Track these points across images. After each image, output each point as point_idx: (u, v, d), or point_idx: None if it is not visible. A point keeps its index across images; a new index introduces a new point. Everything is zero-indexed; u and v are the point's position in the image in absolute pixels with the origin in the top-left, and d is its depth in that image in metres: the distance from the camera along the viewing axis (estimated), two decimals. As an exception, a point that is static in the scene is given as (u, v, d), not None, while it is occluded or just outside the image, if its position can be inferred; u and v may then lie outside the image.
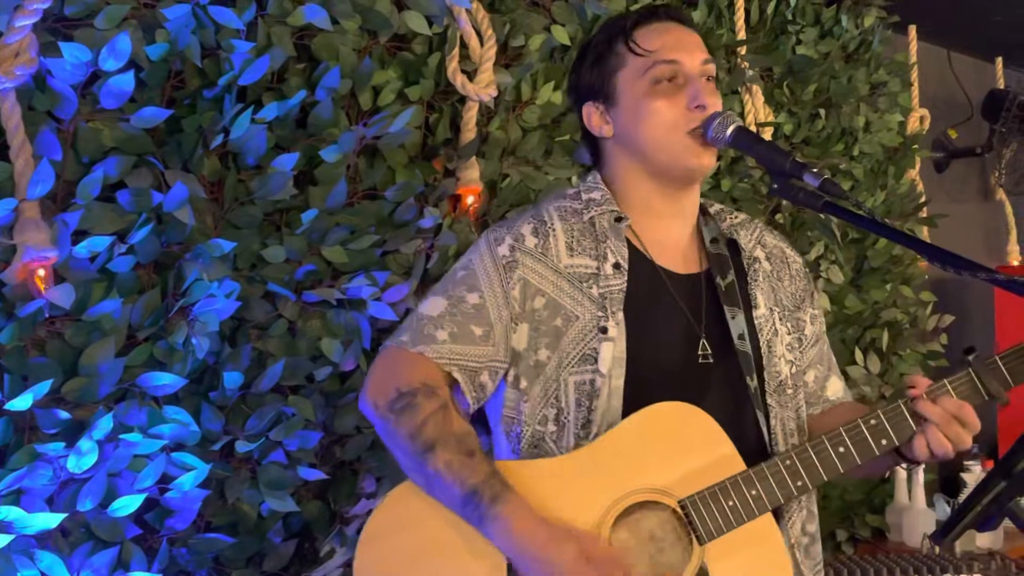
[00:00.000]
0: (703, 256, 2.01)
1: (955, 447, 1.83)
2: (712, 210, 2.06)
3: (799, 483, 1.83)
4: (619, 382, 1.86)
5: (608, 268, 1.91)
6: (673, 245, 1.99)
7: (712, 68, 1.96)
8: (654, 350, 1.90)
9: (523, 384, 1.90)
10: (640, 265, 1.94)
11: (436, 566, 1.79)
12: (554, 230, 1.94)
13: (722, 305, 1.96)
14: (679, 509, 1.79)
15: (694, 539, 1.79)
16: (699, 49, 1.96)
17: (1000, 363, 1.85)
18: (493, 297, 1.90)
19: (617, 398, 1.86)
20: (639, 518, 1.80)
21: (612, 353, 1.87)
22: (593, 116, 1.99)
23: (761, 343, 1.97)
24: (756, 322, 1.98)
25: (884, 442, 1.84)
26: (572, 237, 1.94)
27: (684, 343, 1.93)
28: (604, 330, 1.87)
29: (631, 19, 1.99)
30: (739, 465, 1.82)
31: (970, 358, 1.85)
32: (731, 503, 1.80)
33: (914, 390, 1.85)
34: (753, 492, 1.81)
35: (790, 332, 2.03)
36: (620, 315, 1.89)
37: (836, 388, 2.11)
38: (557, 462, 1.83)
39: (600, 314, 1.88)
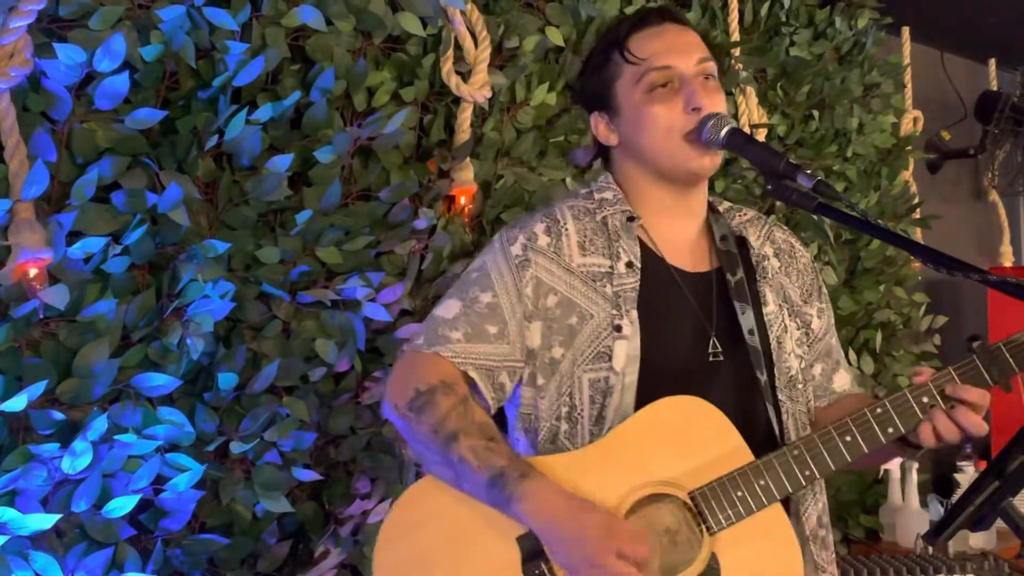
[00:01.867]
0: (713, 254, 2.03)
1: (975, 433, 1.84)
2: (721, 208, 2.08)
3: (807, 473, 1.84)
4: (632, 379, 1.88)
5: (621, 267, 1.93)
6: (684, 243, 2.01)
7: (711, 66, 1.96)
8: (667, 348, 1.92)
9: (540, 381, 1.91)
10: (652, 264, 1.96)
11: (451, 563, 1.80)
12: (566, 229, 1.96)
13: (733, 302, 1.97)
14: (689, 500, 1.81)
15: (704, 529, 1.80)
16: (695, 49, 1.96)
17: (1004, 350, 1.86)
18: (507, 295, 1.91)
19: (630, 395, 1.87)
20: (651, 510, 1.82)
21: (626, 351, 1.88)
22: (600, 125, 2.02)
23: (771, 339, 1.99)
24: (766, 319, 1.99)
25: (891, 431, 1.85)
26: (585, 236, 1.96)
27: (695, 341, 1.94)
28: (619, 328, 1.89)
29: (625, 26, 1.99)
30: (747, 456, 1.84)
31: (974, 345, 1.87)
32: (740, 494, 1.81)
33: (920, 377, 1.87)
34: (761, 482, 1.82)
35: (799, 328, 2.05)
36: (634, 313, 1.90)
37: (843, 381, 2.12)
38: (568, 457, 1.84)
39: (614, 312, 1.90)
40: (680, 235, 2.01)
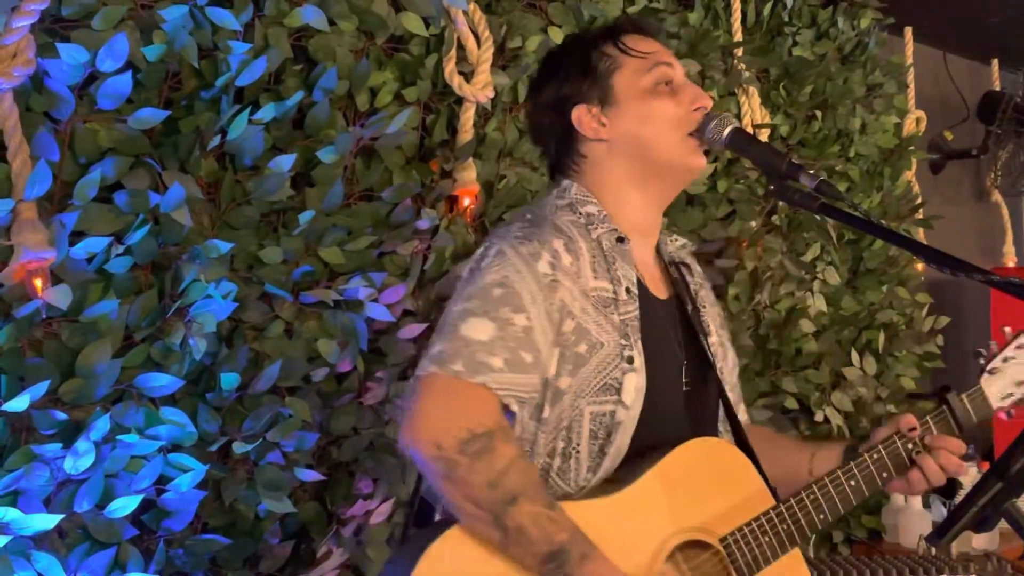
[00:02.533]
0: (668, 281, 2.01)
1: (956, 475, 1.98)
2: None
3: (821, 516, 1.90)
4: (636, 414, 1.82)
5: (623, 293, 1.86)
6: (651, 267, 1.99)
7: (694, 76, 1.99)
8: (661, 381, 1.87)
9: (545, 413, 1.80)
10: (641, 291, 1.92)
11: None
12: (581, 249, 1.85)
13: (694, 329, 1.97)
14: (722, 549, 1.83)
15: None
16: (678, 60, 2.00)
17: (966, 402, 2.03)
18: (539, 320, 1.76)
19: (631, 431, 1.81)
20: (685, 557, 1.82)
21: (635, 384, 1.81)
22: (585, 118, 1.95)
23: (719, 368, 2.00)
24: (712, 349, 2.00)
25: (885, 475, 1.97)
26: (594, 257, 1.87)
27: (675, 371, 1.93)
28: (630, 360, 1.82)
29: (616, 25, 2.00)
30: (768, 499, 1.88)
31: (948, 396, 2.03)
32: (767, 539, 1.85)
33: (914, 431, 1.98)
34: (784, 527, 1.86)
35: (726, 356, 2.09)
36: (640, 344, 1.84)
37: (743, 414, 2.16)
38: (600, 504, 1.76)
39: (623, 342, 1.82)
40: (647, 257, 1.98)
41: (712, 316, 2.05)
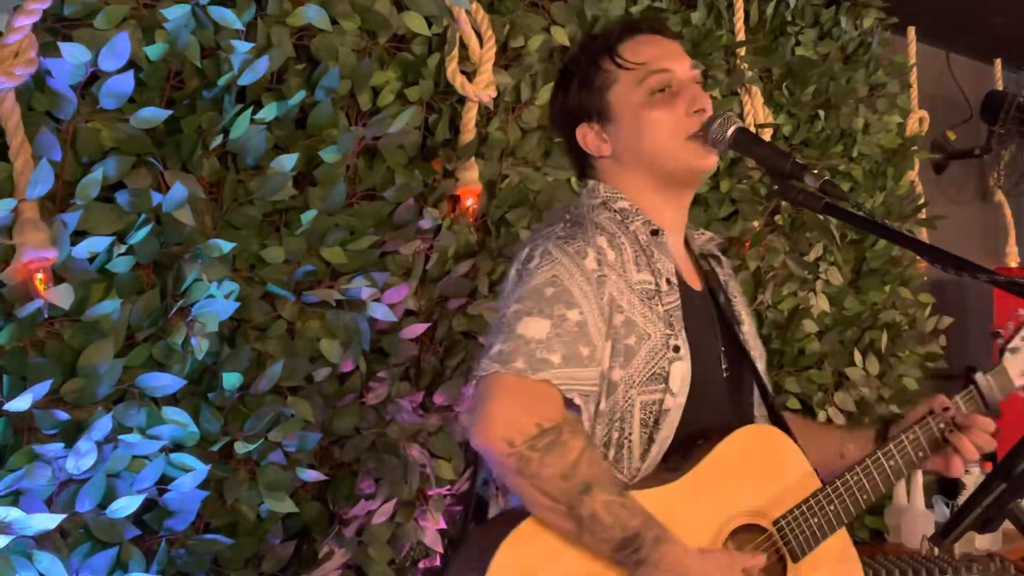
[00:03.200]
0: (699, 272, 2.04)
1: (987, 451, 2.04)
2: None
3: (864, 496, 1.96)
4: (683, 401, 1.86)
5: (664, 284, 1.90)
6: (685, 261, 2.02)
7: (699, 72, 1.97)
8: (705, 369, 1.92)
9: (601, 406, 1.83)
10: (680, 281, 1.95)
11: None
12: (623, 244, 1.89)
13: (728, 320, 2.01)
14: (775, 531, 1.87)
15: (788, 557, 1.88)
16: (685, 56, 1.98)
17: (991, 380, 2.10)
18: (592, 314, 1.80)
19: (677, 418, 1.85)
20: (743, 541, 1.86)
21: (681, 373, 1.86)
22: (588, 136, 1.98)
23: (753, 356, 2.03)
24: (743, 338, 2.03)
25: (921, 455, 2.03)
26: (636, 251, 1.91)
27: (714, 359, 1.97)
28: (676, 349, 1.86)
29: (613, 35, 1.99)
30: (815, 482, 1.93)
31: (976, 376, 2.09)
32: (816, 520, 1.90)
33: (947, 411, 2.04)
34: (832, 508, 1.92)
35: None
36: (684, 333, 1.88)
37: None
38: (661, 492, 1.79)
39: (669, 332, 1.86)
40: (679, 250, 2.01)
41: (742, 306, 2.09)
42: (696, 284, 2.01)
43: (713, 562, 1.75)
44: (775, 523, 1.88)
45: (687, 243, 2.06)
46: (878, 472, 1.98)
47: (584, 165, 2.03)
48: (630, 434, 1.84)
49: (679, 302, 1.90)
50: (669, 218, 1.98)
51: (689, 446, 1.86)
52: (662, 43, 1.98)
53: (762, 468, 1.89)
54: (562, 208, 2.05)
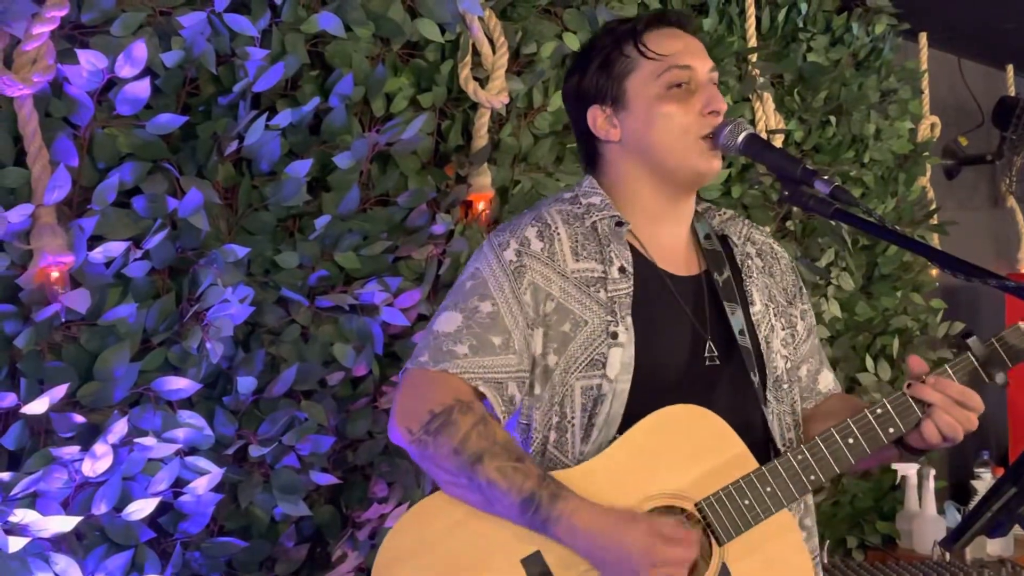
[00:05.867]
0: (700, 257, 2.02)
1: (964, 429, 1.83)
2: (700, 208, 2.07)
3: (812, 477, 1.83)
4: (624, 387, 1.86)
5: (614, 272, 1.90)
6: (672, 248, 2.00)
7: (717, 75, 1.97)
8: (661, 355, 1.90)
9: (537, 390, 1.88)
10: (643, 269, 1.94)
11: None
12: (559, 234, 1.92)
13: (722, 302, 1.97)
14: (696, 512, 1.81)
15: (713, 540, 1.80)
16: (707, 56, 1.97)
17: (997, 345, 1.87)
18: (506, 304, 1.87)
19: (620, 404, 1.85)
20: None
21: (620, 359, 1.86)
22: (599, 119, 1.98)
23: (760, 339, 1.99)
24: (754, 319, 1.99)
25: (891, 430, 1.85)
26: (576, 241, 1.92)
27: (690, 345, 1.93)
28: (614, 335, 1.87)
29: (641, 23, 1.98)
30: (751, 464, 1.83)
31: (968, 341, 1.86)
32: (747, 502, 1.80)
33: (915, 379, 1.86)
34: (768, 489, 1.82)
35: (784, 328, 2.04)
36: (629, 320, 1.88)
37: (827, 381, 2.12)
38: (573, 472, 1.81)
39: (609, 319, 1.88)
40: (668, 240, 2.00)
41: (758, 286, 2.02)
42: (686, 270, 1.99)
43: (627, 533, 1.72)
44: (696, 504, 1.81)
45: (695, 230, 2.04)
46: (831, 450, 1.83)
47: (588, 146, 2.03)
48: (572, 418, 1.87)
49: (631, 289, 1.89)
50: (659, 210, 1.97)
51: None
52: (687, 40, 1.97)
53: (688, 449, 1.82)
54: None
